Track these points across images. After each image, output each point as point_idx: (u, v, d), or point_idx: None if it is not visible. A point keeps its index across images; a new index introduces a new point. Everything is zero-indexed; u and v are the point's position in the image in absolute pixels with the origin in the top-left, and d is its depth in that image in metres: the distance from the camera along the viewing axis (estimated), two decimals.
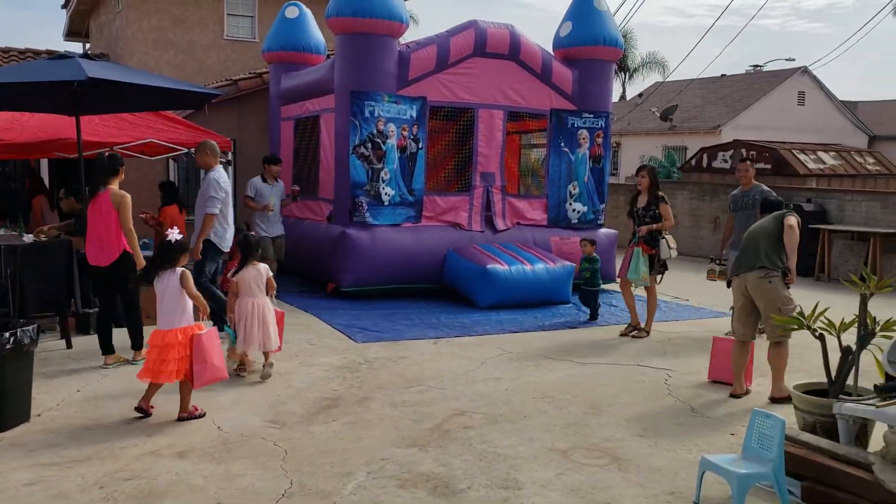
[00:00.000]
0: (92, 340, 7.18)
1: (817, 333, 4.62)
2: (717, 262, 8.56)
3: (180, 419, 5.14)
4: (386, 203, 9.96)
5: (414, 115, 10.06)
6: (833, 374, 4.68)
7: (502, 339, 7.84)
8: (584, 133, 11.04)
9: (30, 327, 4.91)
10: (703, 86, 30.06)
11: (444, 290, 10.13)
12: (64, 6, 20.08)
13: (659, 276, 8.15)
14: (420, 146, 10.19)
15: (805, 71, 28.10)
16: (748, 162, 8.69)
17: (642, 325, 8.23)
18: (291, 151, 12.07)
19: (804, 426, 4.67)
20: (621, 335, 8.13)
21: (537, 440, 4.90)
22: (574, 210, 11.05)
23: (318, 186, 11.06)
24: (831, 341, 4.71)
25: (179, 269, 5.29)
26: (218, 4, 16.12)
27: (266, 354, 6.29)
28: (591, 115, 11.05)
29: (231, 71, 15.92)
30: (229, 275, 6.49)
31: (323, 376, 6.31)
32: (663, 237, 8.03)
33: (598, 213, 11.25)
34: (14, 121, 8.68)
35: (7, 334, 4.74)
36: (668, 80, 29.64)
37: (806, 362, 7.12)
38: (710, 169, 17.77)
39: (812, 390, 4.83)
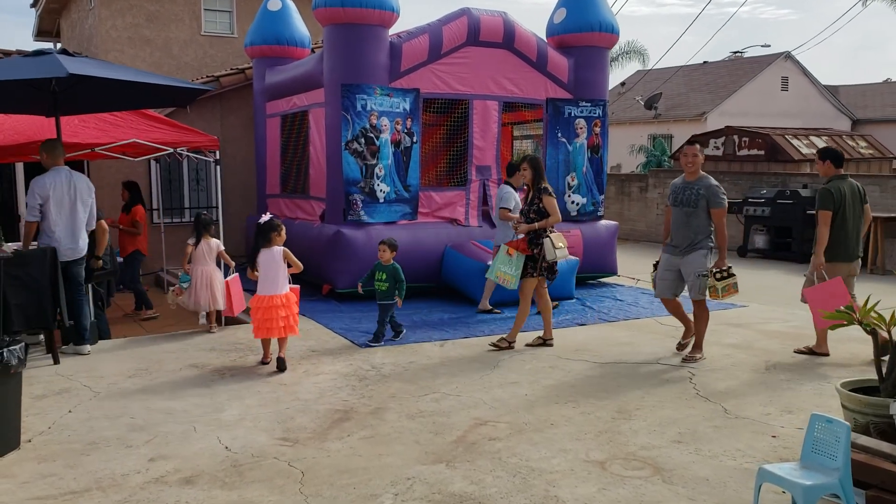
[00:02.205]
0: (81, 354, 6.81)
1: (869, 329, 4.34)
2: (718, 272, 6.59)
3: (280, 360, 6.38)
4: (381, 200, 9.60)
5: (407, 107, 9.69)
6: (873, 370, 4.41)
7: (516, 340, 7.50)
8: (582, 122, 10.73)
9: (17, 346, 4.50)
10: (685, 73, 29.92)
11: (441, 289, 9.80)
12: (33, 5, 19.42)
13: (548, 281, 7.21)
14: (414, 140, 9.83)
15: (788, 56, 28.03)
16: (697, 146, 6.83)
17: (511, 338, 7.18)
18: (278, 149, 11.66)
19: (855, 428, 4.38)
20: (492, 345, 7.13)
21: (570, 451, 4.59)
22: (573, 202, 10.75)
23: (308, 185, 10.66)
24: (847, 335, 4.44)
25: (280, 248, 6.49)
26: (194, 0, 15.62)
27: (209, 315, 7.78)
28: (589, 104, 10.74)
29: (209, 68, 15.43)
30: (189, 241, 7.87)
31: (331, 386, 5.95)
32: (547, 235, 7.02)
33: (597, 204, 10.96)
34: None
35: None
36: (650, 68, 29.45)
37: (832, 355, 6.87)
38: None
39: (858, 388, 4.55)
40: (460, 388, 5.88)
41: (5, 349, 4.41)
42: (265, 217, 6.66)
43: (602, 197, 11.05)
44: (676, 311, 7.04)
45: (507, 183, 8.91)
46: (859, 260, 6.95)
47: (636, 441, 4.76)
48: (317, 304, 9.15)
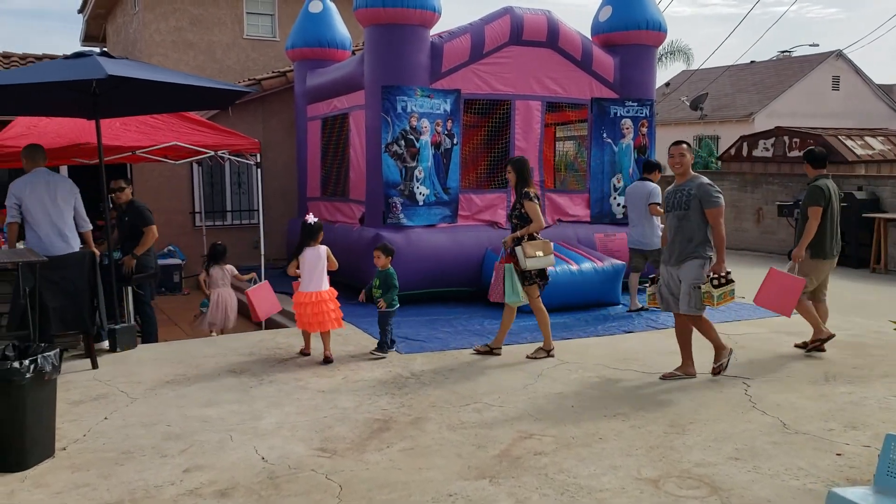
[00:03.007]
0: (118, 358, 6.76)
1: None
2: (716, 278, 6.00)
3: (327, 360, 6.64)
4: (420, 203, 9.44)
5: (448, 109, 9.52)
6: None
7: (555, 347, 7.27)
8: (628, 122, 10.44)
9: (51, 353, 4.42)
10: (732, 73, 29.27)
11: (482, 293, 9.57)
12: (80, 10, 19.75)
13: (538, 288, 6.83)
14: (455, 142, 9.65)
15: (839, 55, 27.26)
16: (684, 145, 6.24)
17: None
18: (319, 152, 11.58)
19: None
20: (529, 356, 6.83)
21: (621, 468, 4.35)
22: (619, 205, 10.46)
23: (348, 188, 10.56)
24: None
25: (325, 247, 6.92)
26: (237, 3, 15.66)
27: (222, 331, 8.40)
28: (635, 104, 10.45)
29: (252, 71, 15.47)
30: (204, 266, 8.62)
31: (370, 393, 5.79)
32: (519, 243, 6.65)
33: None
34: (31, 126, 8.21)
35: (27, 362, 4.25)
36: (695, 68, 28.88)
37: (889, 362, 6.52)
38: (751, 158, 17.08)
39: None
40: (503, 398, 5.67)
41: (39, 355, 4.33)
42: (312, 218, 7.01)
43: None
44: (683, 335, 6.26)
45: (646, 179, 9.02)
46: (836, 258, 7.16)
47: (690, 457, 4.50)
48: (356, 309, 8.99)
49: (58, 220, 6.59)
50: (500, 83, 9.78)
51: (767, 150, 16.74)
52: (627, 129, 10.45)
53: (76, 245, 6.72)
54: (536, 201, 6.77)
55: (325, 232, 10.64)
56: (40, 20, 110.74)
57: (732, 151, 17.78)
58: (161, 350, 7.22)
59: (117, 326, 6.98)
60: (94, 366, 6.43)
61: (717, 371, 6.25)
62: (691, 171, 6.19)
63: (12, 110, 7.81)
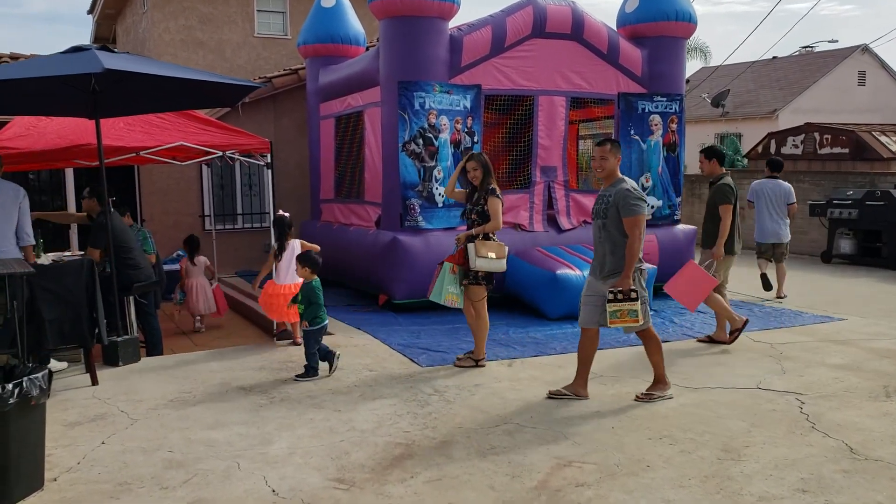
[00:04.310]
0: (120, 373, 6.33)
1: None
2: (611, 293, 5.38)
3: (296, 344, 7.20)
4: (439, 204, 8.97)
5: (468, 105, 9.04)
6: None
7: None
8: (657, 118, 9.93)
9: (39, 374, 3.97)
10: (754, 70, 28.61)
11: (504, 299, 9.10)
12: (90, 11, 19.44)
13: (485, 291, 6.43)
14: (475, 140, 9.17)
15: (865, 49, 26.57)
16: (607, 146, 5.53)
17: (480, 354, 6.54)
18: (332, 151, 11.13)
19: None
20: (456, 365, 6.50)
21: (674, 502, 3.86)
22: (648, 205, 9.93)
23: (363, 189, 10.10)
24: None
25: (298, 240, 7.35)
26: (247, 1, 15.26)
27: (202, 317, 8.92)
28: (664, 99, 9.94)
29: (263, 70, 15.06)
30: (184, 260, 9.06)
31: (390, 413, 5.32)
32: (472, 241, 6.26)
33: (674, 207, 10.15)
34: (31, 127, 7.79)
35: (10, 386, 3.81)
36: (716, 64, 28.25)
37: None
38: (780, 155, 16.49)
39: None
40: (536, 418, 5.19)
41: (25, 378, 3.89)
42: (284, 213, 7.45)
43: (679, 199, 10.23)
44: (586, 350, 5.69)
45: (774, 177, 9.90)
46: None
47: (751, 489, 4.01)
48: (372, 317, 8.57)
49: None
50: (523, 78, 9.29)
51: (797, 146, 16.15)
52: (656, 125, 9.94)
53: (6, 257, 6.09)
54: (501, 199, 6.37)
55: (339, 235, 10.34)
56: (53, 24, 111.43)
57: (759, 149, 17.19)
58: (165, 364, 6.78)
59: (119, 339, 6.55)
60: (94, 382, 6.00)
61: (555, 394, 5.63)
62: (618, 173, 5.53)
63: (9, 109, 7.39)
